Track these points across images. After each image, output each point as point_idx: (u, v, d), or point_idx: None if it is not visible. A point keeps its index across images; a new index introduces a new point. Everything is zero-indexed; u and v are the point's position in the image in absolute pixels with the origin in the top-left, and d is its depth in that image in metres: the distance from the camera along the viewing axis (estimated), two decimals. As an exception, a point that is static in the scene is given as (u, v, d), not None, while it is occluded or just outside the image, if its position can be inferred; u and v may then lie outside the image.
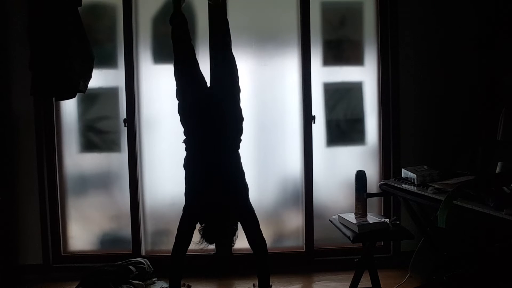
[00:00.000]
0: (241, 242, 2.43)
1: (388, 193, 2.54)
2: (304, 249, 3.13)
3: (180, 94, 2.42)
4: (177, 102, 2.43)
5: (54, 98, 2.94)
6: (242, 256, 2.96)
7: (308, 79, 3.06)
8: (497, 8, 2.94)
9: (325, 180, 3.15)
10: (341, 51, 3.16)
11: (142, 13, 3.01)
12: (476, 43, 3.04)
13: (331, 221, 2.58)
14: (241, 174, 2.42)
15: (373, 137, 3.16)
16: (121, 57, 3.02)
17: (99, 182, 3.10)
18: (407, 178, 2.44)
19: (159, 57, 3.06)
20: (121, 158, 3.07)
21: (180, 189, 2.44)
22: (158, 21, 3.02)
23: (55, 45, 2.45)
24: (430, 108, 3.07)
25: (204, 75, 2.49)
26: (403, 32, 3.04)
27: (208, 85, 2.49)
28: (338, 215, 2.53)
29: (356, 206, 2.60)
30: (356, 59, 3.16)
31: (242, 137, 2.44)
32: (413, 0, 3.03)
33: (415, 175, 2.34)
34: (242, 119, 2.43)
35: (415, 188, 2.28)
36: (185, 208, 2.40)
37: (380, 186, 2.61)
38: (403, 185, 2.39)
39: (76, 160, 3.09)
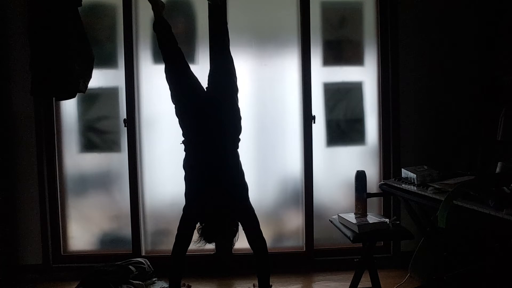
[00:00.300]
0: (241, 242, 2.43)
1: (388, 193, 2.54)
2: (304, 249, 3.13)
3: (175, 98, 2.43)
4: (174, 105, 2.43)
5: (54, 98, 2.94)
6: (242, 256, 2.96)
7: (308, 79, 3.06)
8: (497, 8, 2.94)
9: (325, 180, 3.15)
10: (341, 51, 3.16)
11: (142, 13, 3.01)
12: (476, 43, 3.04)
13: (331, 221, 2.58)
14: (241, 173, 2.42)
15: (373, 137, 3.16)
16: (121, 57, 3.02)
17: (99, 182, 3.11)
18: (407, 178, 2.44)
19: (159, 57, 3.03)
20: (121, 158, 3.07)
21: (180, 189, 2.44)
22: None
23: (55, 45, 2.44)
24: (430, 108, 3.07)
25: (197, 76, 2.47)
26: (403, 32, 3.04)
27: (206, 85, 2.49)
28: (338, 215, 2.53)
29: (356, 206, 2.60)
30: (356, 59, 3.16)
31: (241, 137, 2.44)
32: (413, 0, 3.03)
33: (415, 175, 2.34)
34: (240, 119, 2.43)
35: (415, 188, 2.28)
36: (185, 209, 2.40)
37: (380, 186, 2.62)
38: (403, 185, 2.39)
39: (76, 160, 3.09)
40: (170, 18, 3.00)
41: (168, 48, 2.46)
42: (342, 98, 3.16)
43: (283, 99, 3.13)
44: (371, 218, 2.41)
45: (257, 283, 2.42)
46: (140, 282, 2.69)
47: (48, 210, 3.01)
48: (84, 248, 3.12)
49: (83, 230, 3.12)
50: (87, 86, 2.68)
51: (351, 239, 2.28)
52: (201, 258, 3.00)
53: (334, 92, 3.17)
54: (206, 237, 2.34)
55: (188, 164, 2.41)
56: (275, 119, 3.12)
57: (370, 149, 3.17)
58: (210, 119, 2.36)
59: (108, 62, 3.05)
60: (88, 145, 3.10)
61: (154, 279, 2.81)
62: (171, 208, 3.02)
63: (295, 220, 3.16)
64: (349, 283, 2.42)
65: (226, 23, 2.57)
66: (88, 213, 3.11)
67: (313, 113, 3.08)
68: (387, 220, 2.38)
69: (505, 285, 2.37)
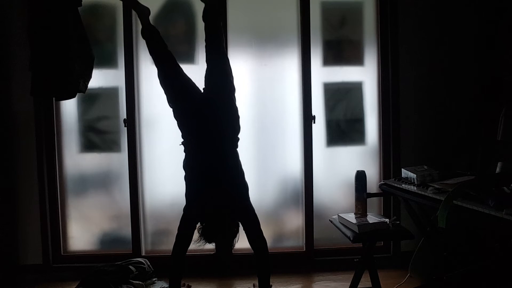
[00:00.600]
0: (241, 242, 2.43)
1: (388, 193, 2.54)
2: (304, 249, 3.13)
3: (171, 101, 2.43)
4: (171, 109, 2.43)
5: (54, 98, 2.94)
6: (242, 256, 2.96)
7: (308, 79, 3.06)
8: (497, 7, 2.94)
9: (325, 180, 3.15)
10: (341, 51, 3.16)
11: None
12: (476, 43, 3.04)
13: (331, 221, 2.58)
14: (241, 173, 2.41)
15: (373, 137, 3.16)
16: (121, 57, 3.02)
17: (99, 182, 3.10)
18: (407, 178, 2.44)
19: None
20: (121, 158, 3.07)
21: (180, 189, 2.44)
22: (158, 21, 3.02)
23: (55, 45, 2.44)
24: (430, 108, 3.07)
25: (197, 76, 2.46)
26: (403, 32, 3.04)
27: (203, 85, 2.48)
28: (338, 215, 2.53)
29: (356, 206, 2.60)
30: (356, 59, 3.16)
31: (239, 136, 2.44)
32: (413, 0, 3.03)
33: (415, 175, 2.34)
34: (238, 118, 2.43)
35: (415, 188, 2.28)
36: (186, 209, 2.40)
37: (380, 186, 2.62)
38: (403, 185, 2.40)
39: (76, 160, 3.09)
40: (170, 18, 3.02)
41: (159, 53, 2.46)
42: (342, 98, 3.16)
43: (283, 99, 3.13)
44: (371, 218, 2.41)
45: (257, 283, 2.41)
46: (140, 282, 2.69)
47: (48, 210, 3.01)
48: (84, 248, 3.12)
49: (83, 230, 3.12)
50: (87, 86, 2.67)
51: (351, 239, 2.28)
52: (201, 258, 3.00)
53: (334, 92, 3.17)
54: (206, 237, 2.34)
55: (188, 165, 2.41)
56: (275, 119, 3.12)
57: (370, 149, 3.17)
58: (208, 120, 2.36)
59: (108, 62, 3.05)
60: (88, 145, 3.10)
61: (154, 279, 2.81)
62: (171, 208, 3.02)
63: (295, 220, 3.16)
64: (349, 283, 2.42)
65: (220, 24, 2.53)
66: (88, 213, 3.11)
67: (313, 113, 3.08)
68: (387, 220, 2.38)
69: (505, 285, 2.37)
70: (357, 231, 2.28)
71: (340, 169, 3.14)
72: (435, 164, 2.59)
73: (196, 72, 2.48)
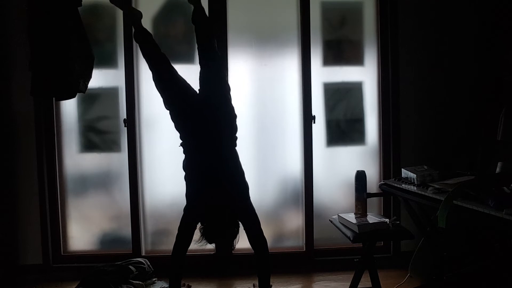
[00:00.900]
0: (241, 242, 2.43)
1: (388, 193, 2.54)
2: (304, 249, 3.13)
3: (168, 104, 2.43)
4: (168, 111, 2.43)
5: (54, 98, 2.94)
6: (242, 256, 2.96)
7: (308, 79, 3.06)
8: (497, 7, 2.94)
9: (325, 180, 3.15)
10: (341, 51, 3.16)
11: (142, 13, 3.00)
12: (476, 43, 3.04)
13: (331, 221, 2.58)
14: (241, 172, 2.41)
15: (373, 137, 3.16)
16: (121, 57, 3.02)
17: (99, 182, 3.10)
18: (407, 178, 2.44)
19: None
20: (121, 158, 3.07)
21: (180, 189, 2.44)
22: (158, 21, 3.02)
23: (55, 45, 2.44)
24: (430, 108, 3.07)
25: (186, 79, 2.46)
26: (403, 32, 3.04)
27: (198, 86, 2.48)
28: (338, 215, 2.53)
29: (356, 206, 2.60)
30: (356, 59, 3.16)
31: (237, 135, 2.44)
32: (413, 0, 3.03)
33: (415, 175, 2.34)
34: (235, 117, 2.43)
35: (415, 188, 2.28)
36: (186, 209, 2.40)
37: (380, 186, 2.62)
38: (403, 185, 2.40)
39: (76, 160, 3.09)
40: (170, 18, 3.02)
41: (152, 56, 2.45)
42: (342, 98, 3.16)
43: (283, 99, 3.13)
44: (371, 218, 2.41)
45: (257, 283, 2.41)
46: (140, 282, 2.69)
47: (48, 210, 3.01)
48: (84, 248, 3.12)
49: (83, 230, 3.12)
50: (87, 86, 2.67)
51: (351, 239, 2.28)
52: (201, 258, 3.00)
53: (334, 92, 3.17)
54: (207, 237, 2.34)
55: (187, 166, 2.41)
56: (275, 119, 3.12)
57: (370, 149, 3.17)
58: (206, 121, 2.36)
59: (108, 62, 3.05)
60: (88, 145, 3.10)
61: (154, 279, 2.81)
62: (171, 208, 3.02)
63: (295, 220, 3.16)
64: (349, 283, 2.42)
65: (209, 21, 2.51)
66: (88, 213, 3.11)
67: (313, 113, 3.08)
68: (387, 220, 2.38)
69: (505, 285, 2.38)
70: (357, 231, 2.28)
71: (340, 169, 3.14)
72: (435, 164, 2.59)
73: (195, 72, 2.47)
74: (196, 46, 2.49)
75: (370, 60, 3.14)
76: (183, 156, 2.43)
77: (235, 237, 2.39)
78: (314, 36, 3.08)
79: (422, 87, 3.06)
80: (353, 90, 3.17)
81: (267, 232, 2.44)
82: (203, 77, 2.44)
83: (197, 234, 2.37)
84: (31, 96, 2.68)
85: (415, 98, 3.06)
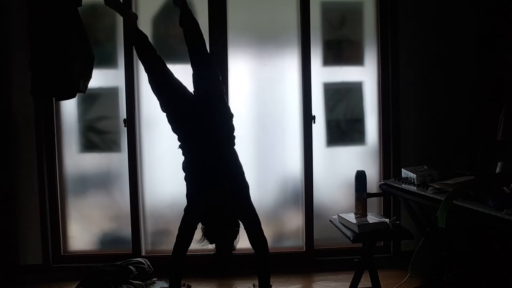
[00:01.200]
0: (241, 242, 2.43)
1: (388, 193, 2.54)
2: (304, 249, 3.13)
3: (164, 106, 2.43)
4: (165, 114, 2.43)
5: (54, 98, 2.94)
6: (242, 256, 2.96)
7: (308, 79, 3.06)
8: (497, 7, 2.94)
9: (325, 180, 3.15)
10: (341, 51, 3.16)
11: (142, 13, 3.01)
12: (476, 43, 3.04)
13: (331, 221, 2.58)
14: (241, 172, 2.41)
15: (373, 137, 3.16)
16: (121, 57, 3.02)
17: (99, 182, 3.10)
18: (407, 178, 2.44)
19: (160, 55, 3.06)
20: (121, 158, 3.07)
21: (180, 189, 2.44)
22: (158, 21, 3.02)
23: (55, 45, 2.44)
24: (430, 108, 3.07)
25: (182, 81, 2.46)
26: (403, 32, 3.04)
27: (192, 89, 2.48)
28: (338, 215, 2.53)
29: (356, 206, 2.60)
30: (356, 59, 3.16)
31: (237, 135, 2.44)
32: (413, 0, 3.03)
33: (415, 175, 2.34)
34: (232, 116, 2.43)
35: (415, 188, 2.28)
36: (186, 209, 2.40)
37: (380, 186, 2.62)
38: (403, 185, 2.39)
39: (76, 160, 3.09)
40: (170, 18, 3.01)
41: (148, 59, 2.46)
42: (342, 98, 3.16)
43: (283, 99, 3.13)
44: (371, 218, 2.41)
45: (257, 283, 2.41)
46: (140, 282, 2.69)
47: (48, 210, 3.01)
48: (84, 248, 3.12)
49: (83, 230, 3.12)
50: (87, 86, 2.67)
51: (351, 239, 2.28)
52: (201, 258, 3.00)
53: (334, 92, 3.17)
54: (209, 237, 2.35)
55: (187, 167, 2.42)
56: (275, 119, 3.12)
57: (370, 149, 3.17)
58: (203, 122, 2.36)
59: (108, 62, 3.05)
60: (88, 145, 3.10)
61: (154, 279, 2.81)
62: (171, 208, 3.03)
63: (295, 220, 3.16)
64: (349, 283, 2.42)
65: (196, 23, 2.48)
66: (88, 213, 3.11)
67: (313, 113, 3.07)
68: (387, 220, 2.37)
69: (505, 285, 2.37)
70: (357, 231, 2.28)
71: (340, 169, 3.14)
72: (435, 164, 2.59)
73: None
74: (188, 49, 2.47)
75: (370, 60, 3.14)
76: (183, 156, 2.43)
77: (235, 237, 2.39)
78: (314, 36, 3.08)
79: (422, 87, 3.06)
80: (353, 90, 3.17)
81: (267, 232, 2.44)
82: (198, 79, 2.44)
83: (198, 234, 2.38)
84: (31, 96, 2.69)
85: (415, 98, 3.06)
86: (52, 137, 3.03)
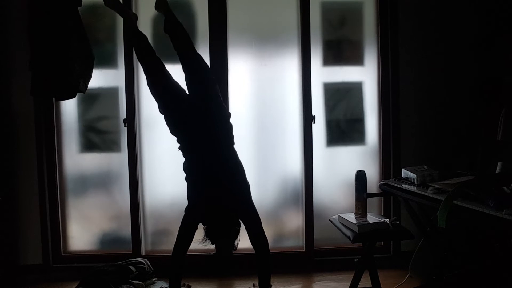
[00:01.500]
0: (241, 242, 2.43)
1: (388, 193, 2.54)
2: (304, 249, 3.13)
3: (163, 108, 2.44)
4: (163, 116, 2.43)
5: (54, 98, 2.94)
6: (242, 256, 2.95)
7: (308, 79, 3.06)
8: (497, 7, 2.94)
9: (325, 180, 3.15)
10: (341, 51, 3.16)
11: (142, 13, 3.01)
12: (476, 43, 3.04)
13: (331, 221, 2.57)
14: (241, 171, 2.41)
15: (373, 137, 3.16)
16: (121, 57, 3.02)
17: (99, 182, 3.10)
18: (407, 178, 2.44)
19: (159, 56, 3.05)
20: (121, 158, 3.07)
21: (180, 189, 2.44)
22: (158, 21, 3.02)
23: (55, 45, 2.44)
24: (430, 108, 3.07)
25: (179, 83, 2.46)
26: (403, 32, 3.04)
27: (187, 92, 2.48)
28: (338, 215, 2.53)
29: (356, 206, 2.60)
30: (356, 59, 3.16)
31: (237, 135, 2.44)
32: (413, 0, 3.03)
33: (415, 175, 2.34)
34: (229, 115, 2.44)
35: (415, 188, 2.28)
36: (187, 209, 2.40)
37: (380, 186, 2.62)
38: (403, 185, 2.39)
39: (76, 160, 3.09)
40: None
41: (148, 60, 2.46)
42: (342, 98, 3.16)
43: (283, 99, 3.13)
44: (371, 218, 2.41)
45: (257, 283, 2.41)
46: (140, 282, 2.69)
47: (48, 210, 3.01)
48: (84, 248, 3.12)
49: (83, 230, 3.12)
50: (87, 86, 2.68)
51: (351, 239, 2.28)
52: (201, 258, 2.99)
53: (334, 92, 3.17)
54: (210, 237, 2.35)
55: (187, 167, 2.42)
56: (275, 119, 3.12)
57: (370, 149, 3.17)
58: (201, 122, 2.36)
59: (108, 62, 3.05)
60: (88, 145, 3.10)
61: (154, 279, 2.81)
62: (171, 208, 3.03)
63: (295, 220, 3.16)
64: (349, 283, 2.42)
65: (182, 26, 2.49)
66: (88, 213, 3.11)
67: (313, 113, 3.07)
68: (387, 220, 2.37)
69: (505, 285, 2.37)
70: (357, 231, 2.28)
71: (340, 169, 3.14)
72: (435, 164, 2.59)
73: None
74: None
75: (370, 60, 3.14)
76: (183, 157, 2.43)
77: (236, 237, 2.39)
78: (314, 36, 3.08)
79: (422, 87, 3.06)
80: (353, 90, 3.17)
81: (267, 232, 2.44)
82: (192, 82, 2.44)
83: (200, 234, 2.38)
84: (31, 96, 2.69)
85: (415, 98, 3.06)
86: (52, 137, 3.03)
